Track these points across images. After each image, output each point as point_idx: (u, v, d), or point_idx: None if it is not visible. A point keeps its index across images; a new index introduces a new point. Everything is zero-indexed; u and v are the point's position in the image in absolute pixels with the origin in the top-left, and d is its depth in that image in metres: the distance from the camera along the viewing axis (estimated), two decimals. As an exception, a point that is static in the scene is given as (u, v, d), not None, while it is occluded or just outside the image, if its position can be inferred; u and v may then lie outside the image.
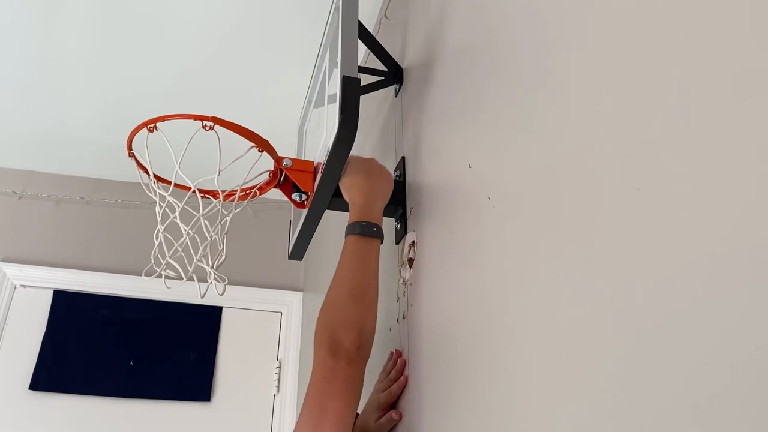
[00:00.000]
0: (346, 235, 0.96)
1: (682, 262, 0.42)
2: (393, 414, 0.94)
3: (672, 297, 0.43)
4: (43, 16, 1.64)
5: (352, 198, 1.00)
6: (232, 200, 1.12)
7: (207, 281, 1.09)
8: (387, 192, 1.03)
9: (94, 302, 2.22)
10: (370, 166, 1.04)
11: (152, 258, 1.11)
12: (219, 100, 1.96)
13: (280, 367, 2.25)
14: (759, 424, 0.35)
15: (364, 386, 0.84)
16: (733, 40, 0.41)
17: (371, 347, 0.87)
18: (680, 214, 0.43)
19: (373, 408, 0.97)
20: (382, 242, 0.97)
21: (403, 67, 1.29)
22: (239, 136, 1.01)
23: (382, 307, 1.12)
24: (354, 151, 0.97)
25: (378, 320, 1.19)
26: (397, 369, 0.98)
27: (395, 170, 1.20)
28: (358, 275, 0.92)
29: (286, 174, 1.11)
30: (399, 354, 1.01)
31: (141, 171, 1.11)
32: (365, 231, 0.94)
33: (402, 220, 1.11)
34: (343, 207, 1.13)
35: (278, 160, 1.09)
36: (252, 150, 1.04)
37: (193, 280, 1.10)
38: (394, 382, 0.97)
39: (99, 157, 2.31)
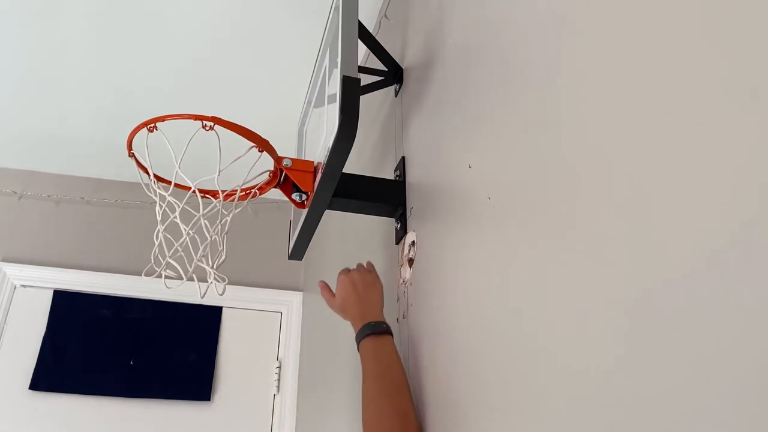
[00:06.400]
0: (358, 342, 0.96)
1: (684, 263, 0.42)
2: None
3: (672, 298, 0.43)
4: (43, 16, 1.64)
5: (349, 314, 1.03)
6: (232, 200, 1.12)
7: (207, 281, 1.09)
8: (379, 295, 1.04)
9: (94, 302, 2.22)
10: (355, 280, 1.05)
11: (152, 258, 1.11)
12: (219, 100, 1.96)
13: (280, 367, 2.25)
14: (759, 425, 0.35)
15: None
16: (738, 42, 0.41)
17: None
18: (681, 215, 0.43)
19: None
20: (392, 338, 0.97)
21: (403, 67, 1.29)
22: (239, 135, 1.01)
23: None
24: (354, 151, 0.97)
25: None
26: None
27: (395, 170, 1.20)
28: (387, 372, 0.90)
29: (286, 174, 1.11)
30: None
31: (141, 171, 1.11)
32: (375, 329, 0.95)
33: (402, 220, 1.11)
34: (343, 207, 1.13)
35: (278, 160, 1.09)
36: (252, 150, 1.04)
37: (193, 280, 1.10)
38: None
39: (99, 157, 2.31)
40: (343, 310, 1.05)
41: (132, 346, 2.18)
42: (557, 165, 0.61)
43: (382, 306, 1.03)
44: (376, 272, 1.10)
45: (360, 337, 0.96)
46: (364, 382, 0.91)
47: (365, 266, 1.11)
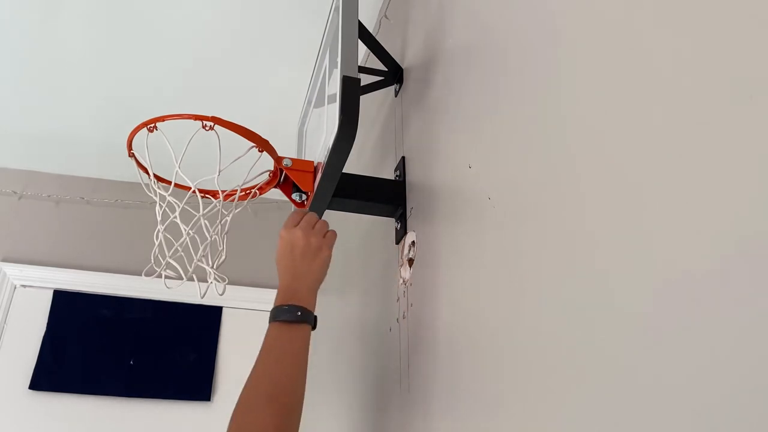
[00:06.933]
0: (269, 322, 0.85)
1: (685, 264, 0.42)
2: None
3: (673, 299, 0.43)
4: (44, 16, 1.64)
5: (279, 277, 0.91)
6: (232, 200, 1.12)
7: (207, 281, 1.09)
8: (318, 267, 0.91)
9: (94, 302, 2.22)
10: (295, 241, 0.92)
11: (152, 258, 1.11)
12: (219, 100, 1.96)
13: (280, 367, 2.25)
14: (759, 427, 0.35)
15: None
16: (737, 42, 0.41)
17: None
18: (683, 216, 0.43)
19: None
20: (313, 328, 0.85)
21: (403, 67, 1.29)
22: (239, 135, 1.01)
23: (383, 307, 1.12)
24: (354, 151, 0.97)
25: (378, 320, 1.19)
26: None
27: (395, 170, 1.20)
28: (277, 372, 0.79)
29: (286, 174, 1.11)
30: None
31: (141, 171, 1.11)
32: (287, 316, 0.83)
33: (402, 220, 1.11)
34: (343, 207, 1.13)
35: (278, 160, 1.09)
36: (252, 150, 1.04)
37: (193, 280, 1.10)
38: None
39: (99, 157, 2.31)
40: (277, 265, 0.92)
41: (132, 346, 2.18)
42: (558, 165, 0.61)
43: (319, 281, 0.89)
44: (331, 237, 0.95)
45: (270, 318, 0.84)
46: (252, 370, 0.78)
47: (319, 224, 0.95)
